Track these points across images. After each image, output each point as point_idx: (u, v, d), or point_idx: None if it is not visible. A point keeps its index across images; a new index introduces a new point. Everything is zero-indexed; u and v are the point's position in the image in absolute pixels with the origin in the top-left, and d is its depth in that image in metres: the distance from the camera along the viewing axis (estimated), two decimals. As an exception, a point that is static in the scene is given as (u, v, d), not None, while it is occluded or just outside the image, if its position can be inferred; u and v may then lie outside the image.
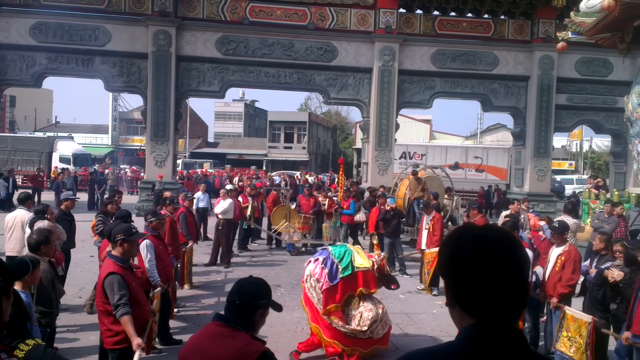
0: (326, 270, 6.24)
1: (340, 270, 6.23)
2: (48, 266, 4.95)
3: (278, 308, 2.77)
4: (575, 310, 5.94)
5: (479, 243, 1.38)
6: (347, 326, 6.21)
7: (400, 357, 1.43)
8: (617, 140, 20.56)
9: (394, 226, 11.61)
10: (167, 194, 11.60)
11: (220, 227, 11.82)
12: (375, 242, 12.02)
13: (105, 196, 16.14)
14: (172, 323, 7.29)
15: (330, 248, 6.66)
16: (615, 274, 5.76)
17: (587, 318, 5.60)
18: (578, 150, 38.83)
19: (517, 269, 1.36)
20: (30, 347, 2.34)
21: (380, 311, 6.33)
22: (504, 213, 11.71)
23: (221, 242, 11.86)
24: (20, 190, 12.20)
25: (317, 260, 6.43)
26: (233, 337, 2.48)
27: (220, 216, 11.93)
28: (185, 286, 9.45)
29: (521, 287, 1.38)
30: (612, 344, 6.08)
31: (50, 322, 4.94)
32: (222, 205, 12.05)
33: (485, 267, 1.34)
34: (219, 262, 11.85)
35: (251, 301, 2.57)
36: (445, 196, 15.64)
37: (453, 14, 19.81)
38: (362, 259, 6.39)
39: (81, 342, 6.65)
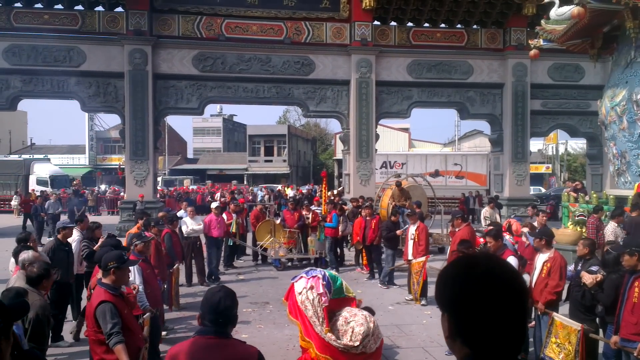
0: (327, 288, 6.33)
1: (332, 292, 6.37)
2: (45, 302, 4.78)
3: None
4: (564, 317, 6.00)
5: (489, 280, 1.36)
6: (339, 341, 6.21)
7: None
8: (592, 143, 20.97)
9: (395, 238, 11.86)
10: (161, 214, 11.46)
11: (198, 246, 11.74)
12: (359, 247, 12.22)
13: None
14: (162, 347, 7.18)
15: (322, 270, 6.79)
16: (589, 280, 5.82)
17: (577, 326, 5.65)
18: (554, 153, 39.48)
19: (521, 302, 1.38)
20: None
21: (371, 325, 6.33)
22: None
23: (196, 261, 11.75)
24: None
25: (315, 277, 6.45)
26: (230, 345, 2.80)
27: (192, 235, 11.75)
28: (173, 308, 9.36)
29: (524, 318, 1.41)
30: (600, 348, 6.17)
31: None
32: (190, 224, 11.76)
33: (496, 303, 1.33)
34: (194, 281, 11.71)
35: (231, 314, 2.88)
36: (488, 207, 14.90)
37: (427, 24, 20.14)
38: (350, 289, 6.82)
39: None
